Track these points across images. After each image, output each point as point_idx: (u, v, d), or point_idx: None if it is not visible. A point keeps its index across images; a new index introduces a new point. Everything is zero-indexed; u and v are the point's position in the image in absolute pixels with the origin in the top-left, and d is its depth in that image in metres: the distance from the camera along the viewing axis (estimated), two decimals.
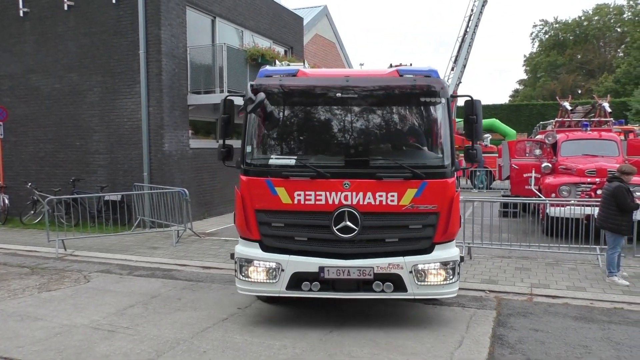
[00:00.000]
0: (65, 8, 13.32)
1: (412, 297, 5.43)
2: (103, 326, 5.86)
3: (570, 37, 53.98)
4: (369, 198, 5.28)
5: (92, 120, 13.31)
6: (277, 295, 5.54)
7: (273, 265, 5.40)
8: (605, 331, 5.59)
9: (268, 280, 5.45)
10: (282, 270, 5.36)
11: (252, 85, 5.41)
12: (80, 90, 13.41)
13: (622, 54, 48.70)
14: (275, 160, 5.56)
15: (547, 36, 56.18)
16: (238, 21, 15.87)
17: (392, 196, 5.28)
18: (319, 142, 5.70)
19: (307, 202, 5.33)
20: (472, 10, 26.86)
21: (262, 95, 5.28)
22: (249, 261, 5.50)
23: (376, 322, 5.83)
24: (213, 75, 13.67)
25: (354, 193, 5.28)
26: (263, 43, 16.65)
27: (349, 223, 5.28)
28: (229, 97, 5.92)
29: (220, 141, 6.07)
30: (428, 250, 5.40)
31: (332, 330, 5.62)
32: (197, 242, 10.76)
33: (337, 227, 5.29)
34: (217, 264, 8.86)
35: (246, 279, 5.55)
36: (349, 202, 5.28)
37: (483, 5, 26.74)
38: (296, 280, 5.37)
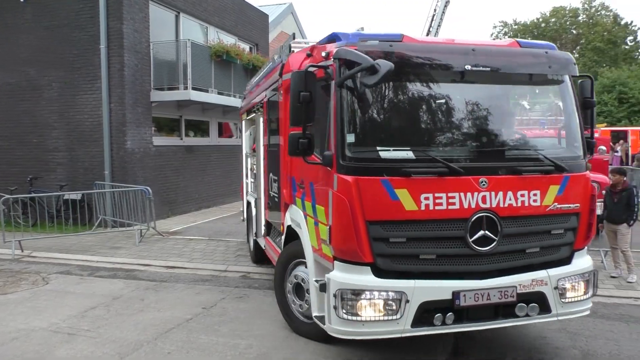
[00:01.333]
0: (22, 0, 12.85)
1: (555, 318, 4.48)
2: (63, 329, 5.71)
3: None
4: (510, 199, 4.24)
5: (51, 116, 12.89)
6: (398, 336, 4.19)
7: (393, 295, 4.07)
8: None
9: (386, 317, 4.09)
10: (407, 301, 4.07)
11: (362, 51, 4.08)
12: (38, 86, 12.96)
13: (577, 55, 50.50)
14: (388, 152, 4.21)
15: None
16: (203, 17, 15.66)
17: (535, 195, 4.31)
18: (439, 128, 4.51)
19: (436, 208, 4.11)
20: (434, 10, 27.31)
21: (388, 64, 3.90)
22: (358, 292, 4.08)
23: None
24: (177, 71, 13.47)
25: (493, 193, 4.19)
26: (228, 40, 16.49)
27: (487, 232, 4.20)
28: (309, 70, 4.29)
29: (291, 130, 4.49)
30: (568, 260, 4.54)
31: None
32: (160, 242, 10.59)
33: (473, 238, 4.17)
34: (181, 263, 8.76)
35: (353, 317, 4.10)
36: (487, 205, 4.18)
37: (445, 6, 27.23)
38: (423, 313, 4.13)
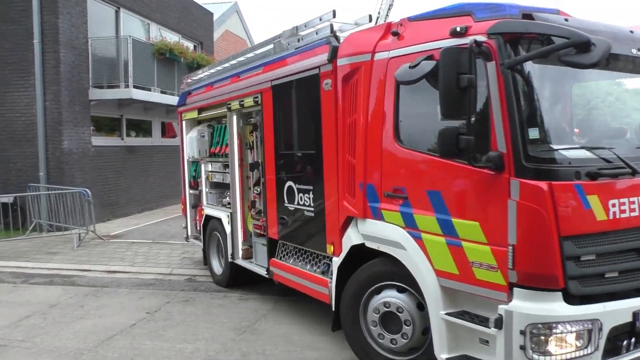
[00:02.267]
0: None
1: None
2: None
3: None
4: None
5: None
6: None
7: (587, 324, 3.34)
8: None
9: (579, 353, 3.36)
10: (600, 329, 3.36)
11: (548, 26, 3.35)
12: None
13: None
14: (574, 151, 3.49)
15: None
16: (144, 13, 15.20)
17: None
18: (615, 122, 3.99)
19: (622, 216, 3.48)
20: (378, 13, 27.78)
21: (605, 42, 3.16)
22: (551, 326, 3.29)
23: (291, 320, 5.89)
24: (117, 69, 13.02)
25: None
26: (171, 37, 16.12)
27: None
28: (479, 43, 3.33)
29: (448, 121, 3.47)
30: None
31: (246, 329, 5.60)
32: (101, 246, 10.19)
33: None
34: (123, 267, 8.46)
35: (542, 357, 3.31)
36: None
37: (389, 9, 27.76)
38: (610, 341, 3.48)
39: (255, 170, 6.34)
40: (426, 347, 4.04)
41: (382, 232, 4.22)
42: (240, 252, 6.71)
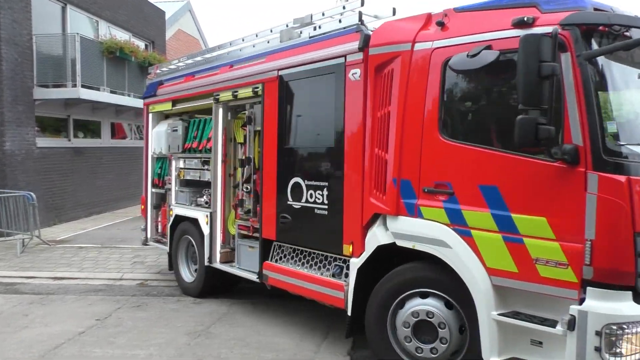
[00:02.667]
0: None
1: None
2: None
3: None
4: None
5: None
6: None
7: None
8: None
9: None
10: None
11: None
12: None
13: None
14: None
15: None
16: (92, 10, 14.71)
17: None
18: None
19: None
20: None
21: None
22: (623, 325, 3.19)
23: (246, 322, 5.85)
24: (64, 67, 12.53)
25: None
26: (121, 35, 15.67)
27: None
28: (564, 30, 3.31)
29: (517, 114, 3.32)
30: None
31: (201, 333, 5.51)
32: (46, 251, 9.76)
33: None
34: (70, 273, 8.14)
35: (615, 358, 3.21)
36: None
37: (342, 14, 27.98)
38: None
39: (247, 166, 6.00)
40: (468, 348, 3.86)
41: (420, 229, 4.01)
42: (219, 256, 6.32)
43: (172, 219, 7.12)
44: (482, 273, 3.65)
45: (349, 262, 4.63)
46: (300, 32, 5.41)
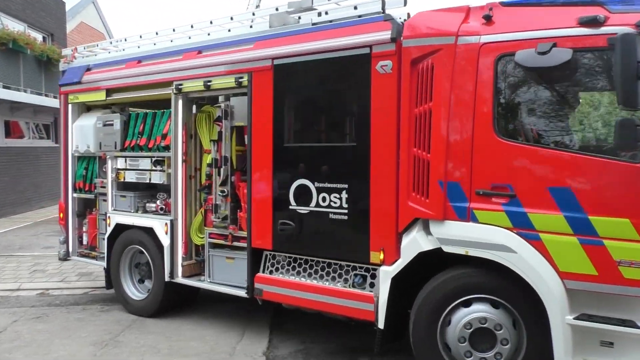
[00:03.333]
0: None
1: None
2: None
3: None
4: None
5: None
6: None
7: None
8: None
9: None
10: None
11: None
12: None
13: None
14: None
15: None
16: None
17: None
18: None
19: None
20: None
21: None
22: None
23: (156, 329, 5.65)
24: None
25: None
26: (15, 26, 14.47)
27: None
28: None
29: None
30: None
31: (108, 342, 5.26)
32: None
33: None
34: None
35: None
36: None
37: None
38: None
39: (224, 167, 5.33)
40: (527, 343, 3.74)
41: (475, 234, 3.78)
42: (181, 269, 5.67)
43: (110, 228, 6.24)
44: (554, 277, 3.53)
45: (373, 270, 4.33)
46: (299, 18, 4.91)
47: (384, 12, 4.34)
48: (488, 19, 3.82)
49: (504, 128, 3.78)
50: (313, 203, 4.60)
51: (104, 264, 6.39)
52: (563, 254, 3.52)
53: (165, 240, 5.68)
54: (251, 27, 5.27)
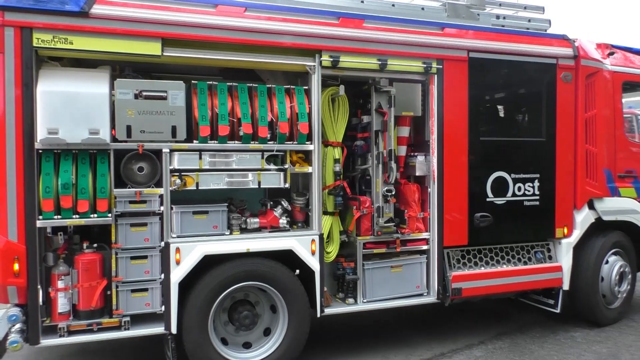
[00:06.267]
0: None
1: None
2: None
3: None
4: None
5: None
6: None
7: None
8: None
9: None
10: None
11: None
12: None
13: None
14: None
15: None
16: None
17: None
18: None
19: None
20: None
21: None
22: None
23: None
24: None
25: None
26: None
27: None
28: None
29: None
30: None
31: None
32: None
33: None
34: None
35: None
36: None
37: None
38: None
39: (393, 163, 4.73)
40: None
41: (620, 205, 5.73)
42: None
43: (188, 266, 4.05)
44: None
45: (548, 245, 5.50)
46: (479, 14, 5.34)
47: (549, 26, 5.58)
48: (612, 55, 5.71)
49: (627, 131, 5.97)
50: (510, 193, 5.19)
51: (163, 329, 4.06)
52: None
53: (314, 264, 4.43)
54: (362, 2, 4.84)
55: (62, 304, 3.83)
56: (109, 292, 3.94)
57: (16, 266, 3.61)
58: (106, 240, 3.98)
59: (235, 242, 4.22)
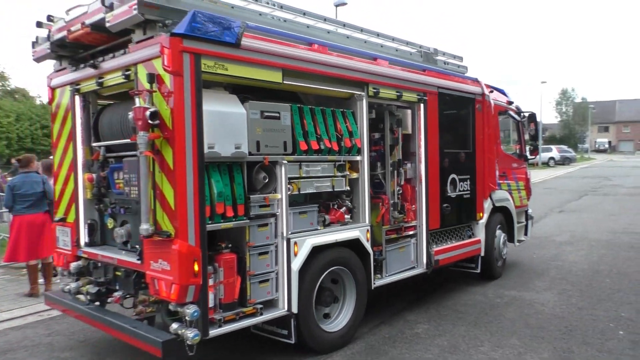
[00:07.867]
0: None
1: None
2: None
3: None
4: None
5: None
6: None
7: None
8: None
9: None
10: None
11: None
12: None
13: None
14: None
15: None
16: None
17: None
18: None
19: None
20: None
21: None
22: None
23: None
24: None
25: None
26: None
27: None
28: None
29: None
30: None
31: None
32: None
33: None
34: None
35: None
36: None
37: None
38: None
39: (404, 168, 6.43)
40: None
41: (502, 196, 8.20)
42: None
43: (302, 256, 4.90)
44: None
45: (472, 225, 7.59)
46: (436, 60, 7.44)
47: (467, 71, 8.14)
48: (492, 92, 8.08)
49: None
50: (457, 189, 7.07)
51: (285, 310, 4.82)
52: None
53: (369, 248, 5.68)
54: (365, 42, 6.28)
55: (211, 299, 4.32)
56: (243, 286, 4.55)
57: (196, 267, 4.04)
58: (229, 240, 4.57)
59: (327, 235, 5.23)
